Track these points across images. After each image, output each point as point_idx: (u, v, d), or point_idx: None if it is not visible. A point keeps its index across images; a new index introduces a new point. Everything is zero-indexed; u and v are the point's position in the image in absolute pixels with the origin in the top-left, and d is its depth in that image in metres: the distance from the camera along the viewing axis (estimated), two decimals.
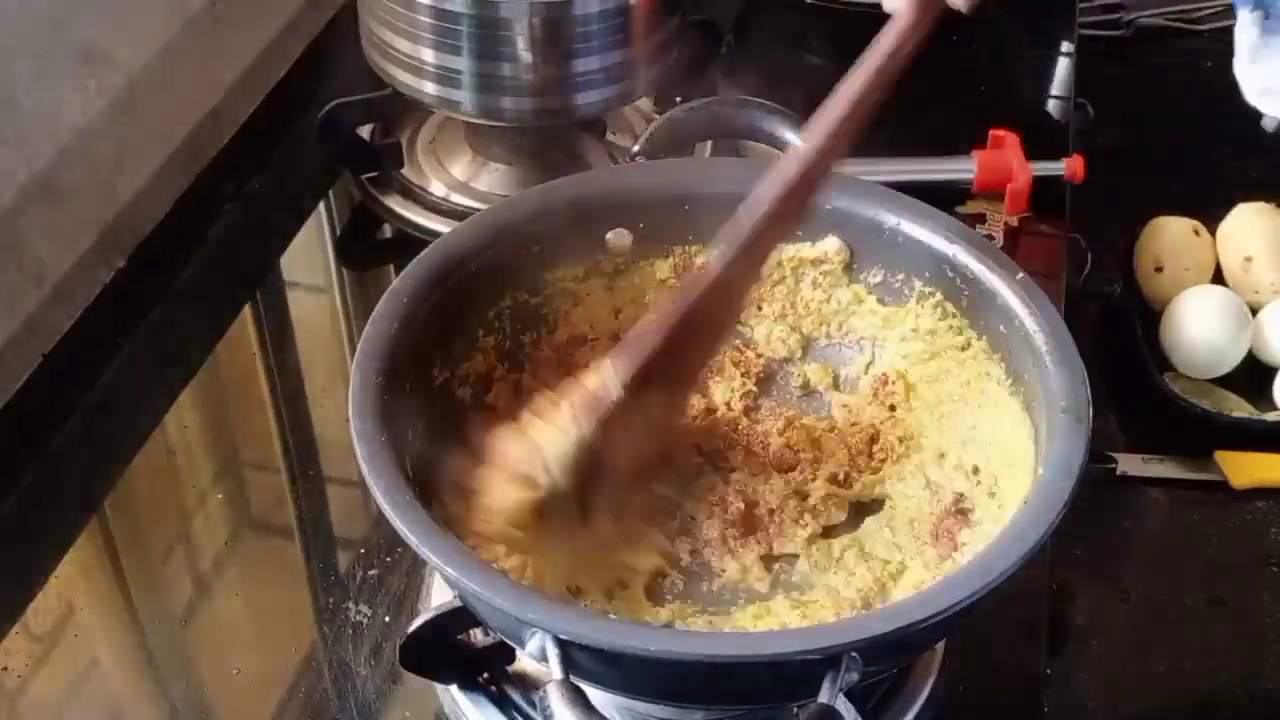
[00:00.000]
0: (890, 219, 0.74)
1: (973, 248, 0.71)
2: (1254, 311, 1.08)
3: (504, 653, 0.69)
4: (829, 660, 0.54)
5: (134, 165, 0.98)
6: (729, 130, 0.87)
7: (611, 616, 0.65)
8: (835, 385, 0.77)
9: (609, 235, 0.76)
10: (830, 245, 0.76)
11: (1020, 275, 0.69)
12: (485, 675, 0.70)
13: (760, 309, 0.79)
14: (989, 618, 0.73)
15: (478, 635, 0.69)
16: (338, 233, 1.06)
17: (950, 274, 0.72)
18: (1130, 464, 0.98)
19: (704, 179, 0.78)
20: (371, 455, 0.61)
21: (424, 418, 0.67)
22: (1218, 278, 1.12)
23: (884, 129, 1.08)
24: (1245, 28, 0.61)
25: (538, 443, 0.66)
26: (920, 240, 0.73)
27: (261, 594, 0.79)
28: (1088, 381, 0.64)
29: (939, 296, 0.73)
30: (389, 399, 0.64)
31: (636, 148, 0.82)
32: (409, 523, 0.58)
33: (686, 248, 0.77)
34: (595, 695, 0.56)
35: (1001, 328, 0.69)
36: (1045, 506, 0.58)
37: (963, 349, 0.72)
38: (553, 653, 0.55)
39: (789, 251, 0.77)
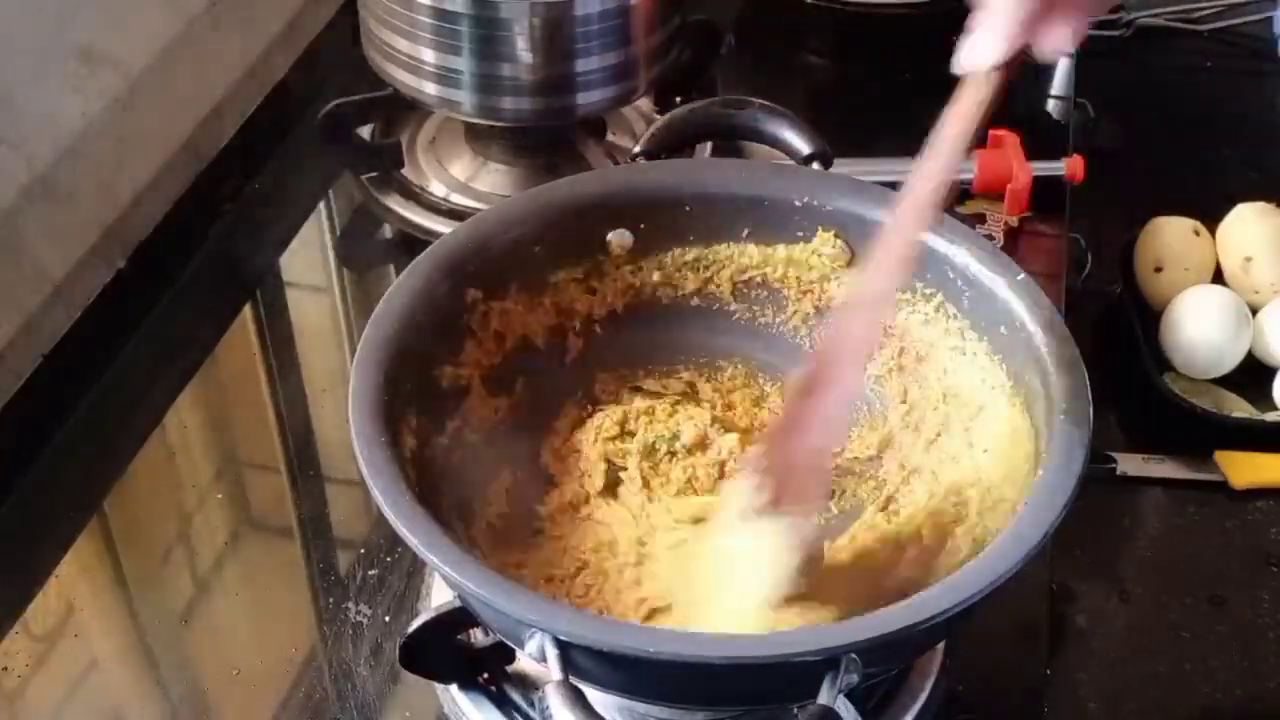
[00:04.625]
0: (891, 219, 0.73)
1: (973, 248, 0.71)
2: (1254, 311, 1.08)
3: (504, 653, 0.69)
4: (828, 661, 0.54)
5: (134, 165, 0.98)
6: (730, 131, 0.86)
7: (611, 617, 0.65)
8: None
9: (610, 235, 0.76)
10: (829, 245, 0.76)
11: (1021, 276, 0.69)
12: (485, 675, 0.70)
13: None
14: (989, 618, 0.73)
15: (478, 635, 0.69)
16: (338, 233, 1.06)
17: (951, 275, 0.72)
18: (1130, 464, 0.98)
19: (705, 179, 0.78)
20: (371, 455, 0.60)
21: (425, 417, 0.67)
22: (1218, 278, 1.12)
23: (884, 129, 1.09)
24: None
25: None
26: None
27: (261, 594, 0.79)
28: (1089, 383, 0.63)
29: (940, 298, 0.73)
30: (390, 399, 0.64)
31: (638, 148, 0.82)
32: (409, 523, 0.58)
33: (684, 249, 0.77)
34: (595, 696, 0.56)
35: (1002, 329, 0.69)
36: (1045, 508, 0.58)
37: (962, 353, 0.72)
38: (552, 653, 0.55)
39: (785, 252, 0.77)
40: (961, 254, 0.71)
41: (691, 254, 0.77)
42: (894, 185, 0.76)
